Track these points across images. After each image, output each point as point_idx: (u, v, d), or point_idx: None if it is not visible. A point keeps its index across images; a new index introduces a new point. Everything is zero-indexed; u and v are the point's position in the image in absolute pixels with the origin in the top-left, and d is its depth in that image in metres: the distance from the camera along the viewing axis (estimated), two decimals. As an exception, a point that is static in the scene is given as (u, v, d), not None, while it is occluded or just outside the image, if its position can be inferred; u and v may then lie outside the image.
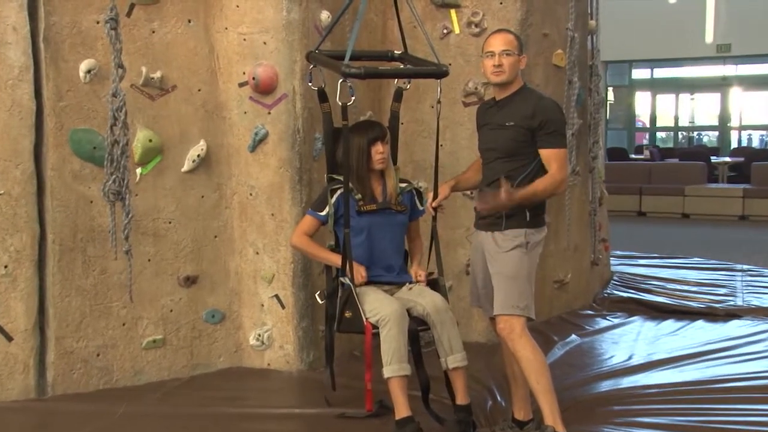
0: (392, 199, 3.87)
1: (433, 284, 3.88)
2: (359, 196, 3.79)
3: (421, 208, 3.98)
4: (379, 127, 3.89)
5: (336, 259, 3.78)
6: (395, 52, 4.17)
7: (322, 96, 3.90)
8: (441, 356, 3.71)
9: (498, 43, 3.55)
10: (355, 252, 3.74)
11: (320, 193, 3.95)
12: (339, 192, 3.76)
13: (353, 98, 3.65)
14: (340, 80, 3.60)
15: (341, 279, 3.75)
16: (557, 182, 3.52)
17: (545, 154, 3.51)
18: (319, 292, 3.96)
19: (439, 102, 3.86)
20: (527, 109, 3.51)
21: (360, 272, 3.71)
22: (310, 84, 3.94)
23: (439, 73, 3.79)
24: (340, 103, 3.60)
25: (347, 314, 3.68)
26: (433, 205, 3.83)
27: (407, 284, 3.85)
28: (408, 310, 3.68)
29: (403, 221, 3.92)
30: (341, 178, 3.74)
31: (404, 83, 4.04)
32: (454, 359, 3.70)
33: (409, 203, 3.94)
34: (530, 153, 3.52)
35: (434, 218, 3.89)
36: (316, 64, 3.92)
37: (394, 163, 3.98)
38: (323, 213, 3.83)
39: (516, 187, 3.49)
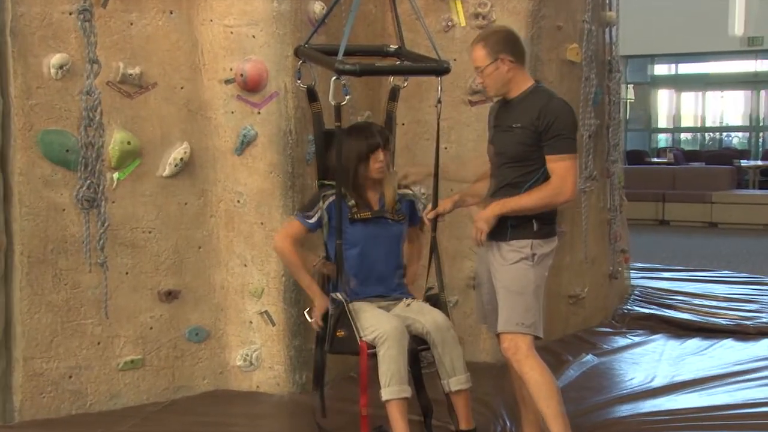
0: (389, 207, 3.86)
1: (434, 301, 3.87)
2: (353, 202, 3.78)
3: (420, 214, 3.96)
4: (381, 132, 3.85)
5: (315, 292, 3.77)
6: (391, 46, 4.17)
7: (312, 95, 3.89)
8: (442, 378, 3.70)
9: (471, 60, 3.60)
10: (347, 266, 3.73)
11: (311, 196, 3.92)
12: (332, 198, 3.76)
13: (348, 97, 3.65)
14: (333, 78, 3.59)
15: (332, 295, 3.74)
16: (555, 192, 3.49)
17: (548, 160, 3.50)
18: (308, 309, 3.94)
19: (439, 102, 3.85)
20: (534, 110, 3.50)
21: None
22: (298, 82, 3.94)
23: (440, 69, 3.79)
24: (333, 103, 3.59)
25: (339, 333, 3.66)
26: (429, 216, 3.81)
27: (404, 300, 3.84)
28: (406, 328, 3.67)
29: (401, 232, 3.90)
30: (333, 184, 3.73)
31: (401, 81, 4.03)
32: (456, 381, 3.68)
33: (407, 212, 3.92)
34: (539, 158, 3.51)
35: (434, 229, 3.88)
36: (305, 60, 3.92)
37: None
38: (312, 220, 3.81)
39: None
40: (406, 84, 4.05)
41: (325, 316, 3.77)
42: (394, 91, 4.04)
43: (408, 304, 3.82)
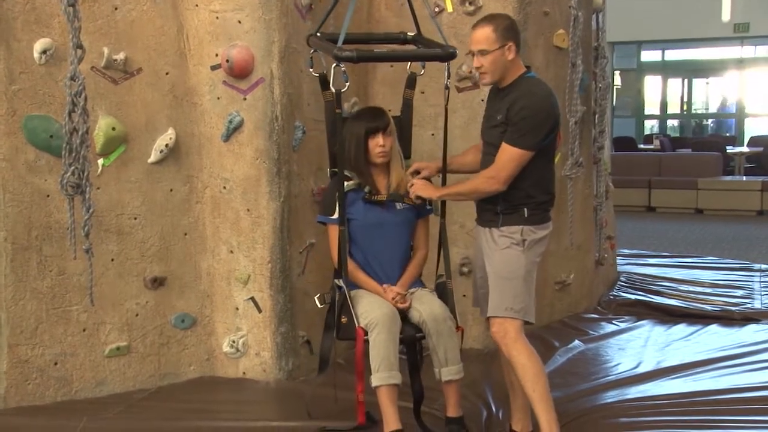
0: (401, 189, 3.83)
1: (442, 288, 3.87)
2: (368, 188, 3.79)
3: (429, 207, 3.96)
4: (382, 115, 3.84)
5: (373, 287, 3.77)
6: (408, 33, 4.15)
7: (324, 83, 3.88)
8: (435, 366, 3.73)
9: (474, 41, 3.55)
10: (358, 256, 3.76)
11: (326, 197, 3.91)
12: (348, 188, 3.76)
13: (348, 84, 3.65)
14: (333, 65, 3.61)
15: (336, 282, 3.75)
16: (488, 179, 3.52)
17: (500, 147, 3.49)
18: (319, 295, 3.95)
19: (447, 88, 3.83)
20: (512, 101, 3.50)
21: (396, 294, 3.72)
22: (311, 70, 3.94)
23: (444, 55, 3.76)
24: (333, 90, 3.61)
25: (343, 320, 3.71)
26: (416, 189, 3.76)
27: (409, 290, 3.84)
28: (405, 316, 3.69)
29: (410, 219, 3.88)
30: (346, 173, 3.74)
31: (419, 68, 3.99)
32: (448, 371, 3.71)
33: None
34: None
35: (443, 215, 3.89)
36: (316, 48, 3.92)
37: (407, 156, 3.96)
38: (335, 216, 3.80)
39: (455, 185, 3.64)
40: (423, 72, 4.01)
41: (332, 304, 3.80)
42: (411, 79, 4.02)
43: (411, 293, 3.82)
